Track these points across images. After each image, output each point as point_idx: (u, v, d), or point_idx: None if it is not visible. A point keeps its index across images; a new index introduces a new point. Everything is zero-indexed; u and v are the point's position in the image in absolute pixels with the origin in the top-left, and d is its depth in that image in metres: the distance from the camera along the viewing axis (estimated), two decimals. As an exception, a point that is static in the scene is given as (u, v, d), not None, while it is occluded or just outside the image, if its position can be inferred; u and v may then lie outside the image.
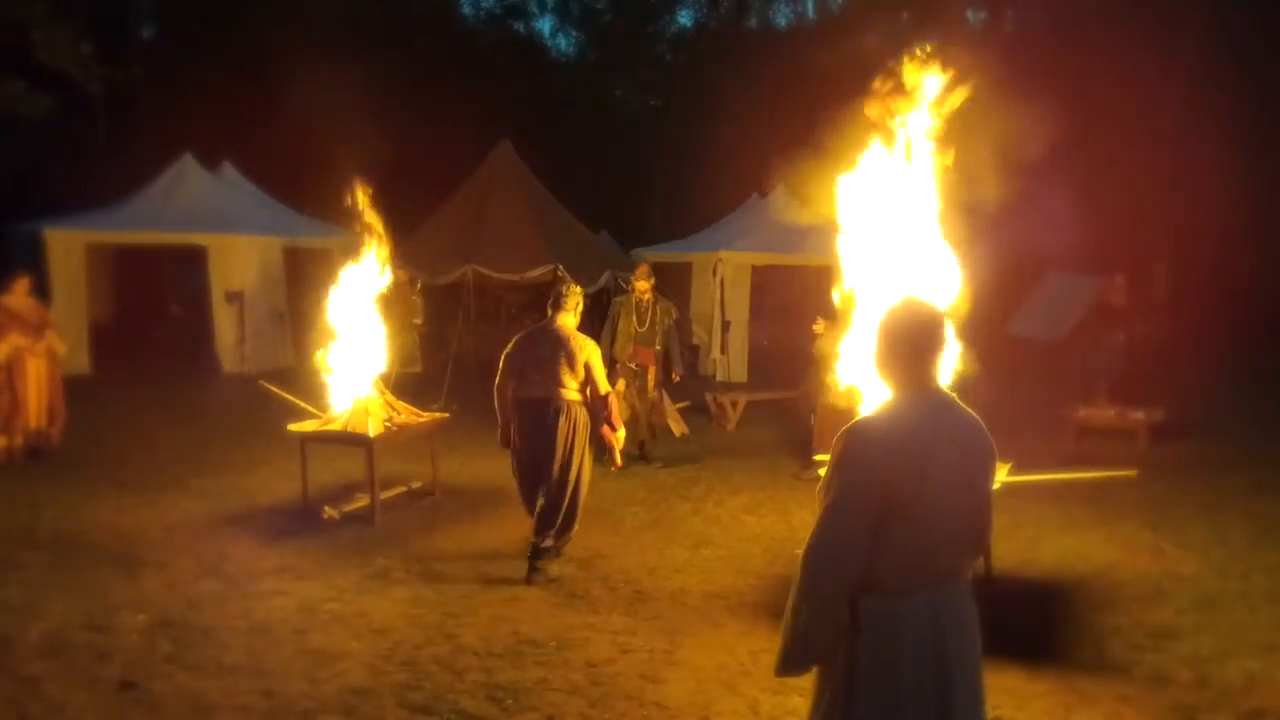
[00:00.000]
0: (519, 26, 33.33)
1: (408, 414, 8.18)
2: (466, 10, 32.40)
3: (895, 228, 4.62)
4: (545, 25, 44.48)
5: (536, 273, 15.07)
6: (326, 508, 7.52)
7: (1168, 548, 6.90)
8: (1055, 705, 4.51)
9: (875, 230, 4.67)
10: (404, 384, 10.08)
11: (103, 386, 13.05)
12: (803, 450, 9.25)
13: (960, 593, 2.77)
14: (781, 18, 32.08)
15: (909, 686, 2.63)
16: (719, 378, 15.18)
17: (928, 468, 2.61)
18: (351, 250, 8.05)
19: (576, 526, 6.49)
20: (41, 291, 10.21)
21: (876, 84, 4.47)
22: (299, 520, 7.46)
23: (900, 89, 4.47)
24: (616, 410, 6.60)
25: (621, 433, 6.71)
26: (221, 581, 6.11)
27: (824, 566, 2.64)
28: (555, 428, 6.22)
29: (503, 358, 6.52)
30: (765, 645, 5.17)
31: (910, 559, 2.65)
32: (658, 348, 9.69)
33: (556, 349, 6.31)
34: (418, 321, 13.31)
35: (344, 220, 8.05)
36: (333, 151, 15.37)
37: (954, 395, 2.84)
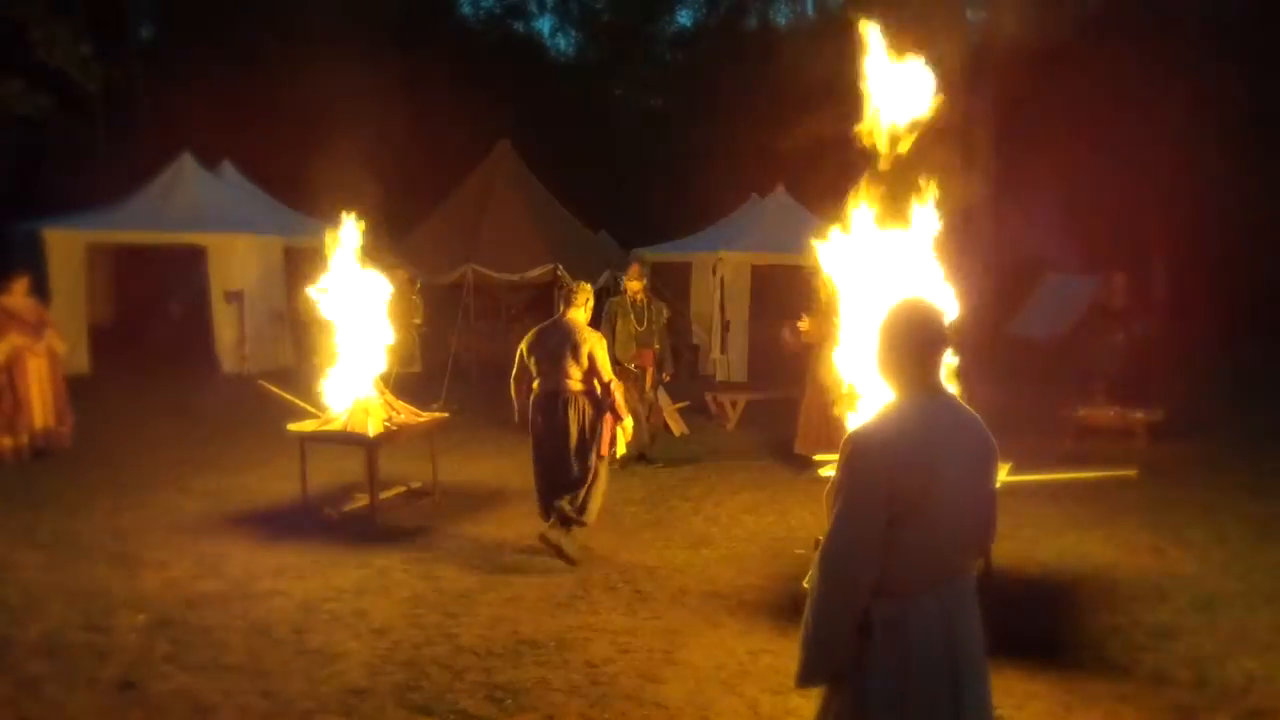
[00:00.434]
0: (519, 26, 33.38)
1: (407, 414, 8.18)
2: (466, 10, 32.45)
3: (889, 230, 4.62)
4: (545, 25, 44.58)
5: (536, 273, 15.09)
6: (326, 508, 7.52)
7: (1167, 547, 6.90)
8: (1054, 705, 4.51)
9: (868, 231, 4.67)
10: (404, 384, 10.07)
11: (102, 386, 13.04)
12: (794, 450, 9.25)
13: (966, 590, 2.77)
14: (781, 17, 32.10)
15: (921, 686, 2.63)
16: (719, 377, 15.18)
17: (935, 469, 2.61)
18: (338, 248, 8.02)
19: (599, 507, 6.78)
20: (41, 291, 10.21)
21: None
22: (299, 520, 7.46)
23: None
24: (620, 400, 6.78)
25: (628, 421, 6.89)
26: (221, 581, 6.11)
27: (840, 572, 2.63)
28: (567, 418, 6.62)
29: (518, 352, 6.91)
30: (765, 645, 5.17)
31: (918, 560, 2.64)
32: (656, 346, 9.71)
33: (563, 342, 6.66)
34: (418, 321, 13.30)
35: (342, 219, 8.03)
36: (333, 151, 15.38)
37: (956, 394, 2.83)
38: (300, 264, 14.96)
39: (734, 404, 12.01)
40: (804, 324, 9.16)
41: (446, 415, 8.64)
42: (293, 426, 7.90)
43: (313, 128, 19.20)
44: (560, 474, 6.64)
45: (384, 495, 7.74)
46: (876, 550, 2.60)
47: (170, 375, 14.42)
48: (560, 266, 14.99)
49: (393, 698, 4.55)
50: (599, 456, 6.69)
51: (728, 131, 24.33)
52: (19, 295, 9.33)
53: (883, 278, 4.41)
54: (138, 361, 15.07)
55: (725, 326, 15.63)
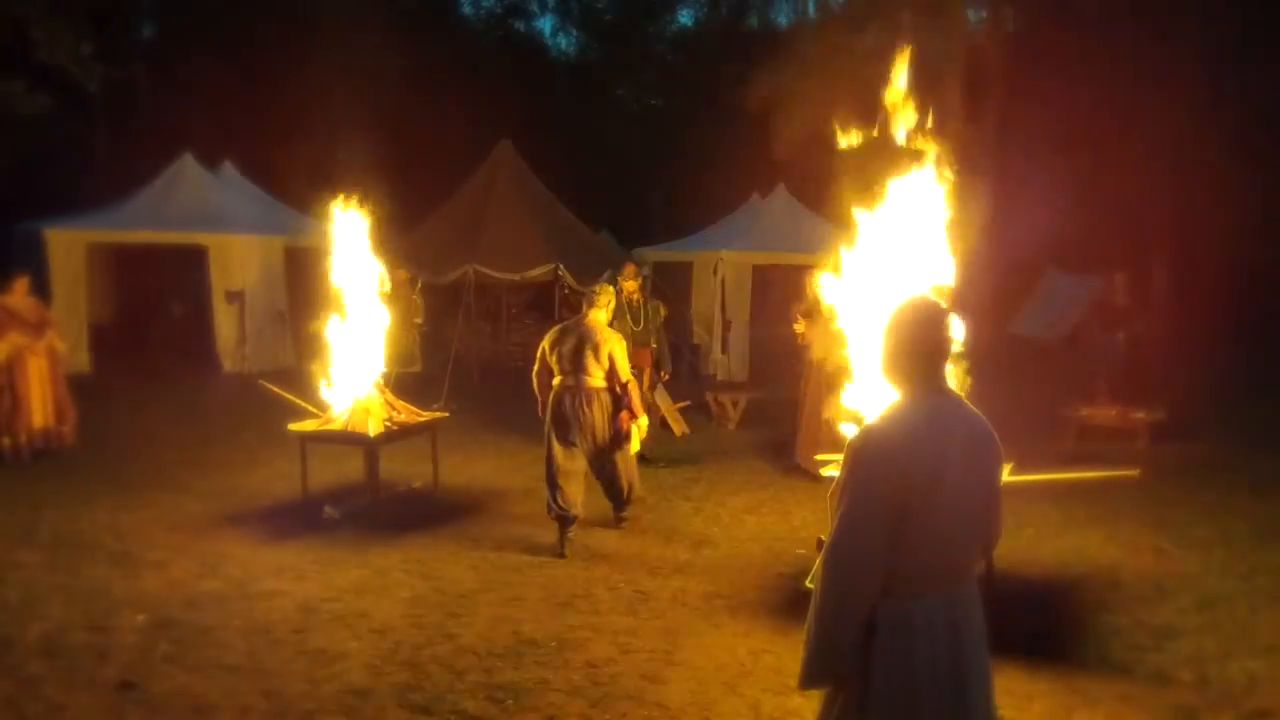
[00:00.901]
0: (519, 26, 33.35)
1: (408, 413, 8.17)
2: (467, 10, 32.43)
3: (894, 227, 4.61)
4: (546, 25, 44.56)
5: (536, 272, 15.08)
6: (326, 507, 7.51)
7: (1169, 547, 6.89)
8: (1056, 705, 4.51)
9: (873, 230, 4.66)
10: (404, 383, 10.07)
11: (103, 386, 13.02)
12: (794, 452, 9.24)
13: (971, 591, 2.77)
14: (782, 17, 32.08)
15: (925, 687, 2.62)
16: (720, 377, 15.17)
17: (941, 470, 2.60)
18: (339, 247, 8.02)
19: (637, 480, 7.41)
20: (42, 291, 10.20)
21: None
22: (299, 520, 7.45)
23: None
24: (637, 398, 7.17)
25: (643, 420, 7.27)
26: (221, 581, 6.10)
27: (845, 574, 2.62)
28: (591, 414, 6.98)
29: (539, 348, 7.23)
30: (766, 645, 5.17)
31: (923, 561, 2.63)
32: (653, 345, 9.72)
33: (584, 341, 6.98)
34: (418, 321, 13.30)
35: (340, 219, 8.03)
36: (333, 151, 15.38)
37: (961, 395, 2.82)
38: (301, 264, 14.98)
39: (735, 404, 12.00)
40: (800, 326, 9.16)
41: (447, 415, 8.63)
42: (293, 426, 7.90)
43: (313, 128, 19.21)
44: (592, 460, 7.10)
45: (385, 495, 7.73)
46: (882, 551, 2.58)
47: (171, 375, 14.41)
48: (561, 266, 14.98)
49: (393, 698, 4.54)
50: (619, 450, 7.15)
51: (728, 131, 24.29)
52: (20, 295, 9.33)
53: (889, 280, 4.41)
54: (138, 361, 15.05)
55: (726, 326, 15.62)
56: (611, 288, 7.58)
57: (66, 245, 14.57)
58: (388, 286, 8.36)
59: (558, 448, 7.00)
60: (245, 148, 17.65)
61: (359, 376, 7.94)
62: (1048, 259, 17.31)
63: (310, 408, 8.17)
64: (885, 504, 2.58)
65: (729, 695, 4.61)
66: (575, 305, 15.79)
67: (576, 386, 6.96)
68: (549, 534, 7.15)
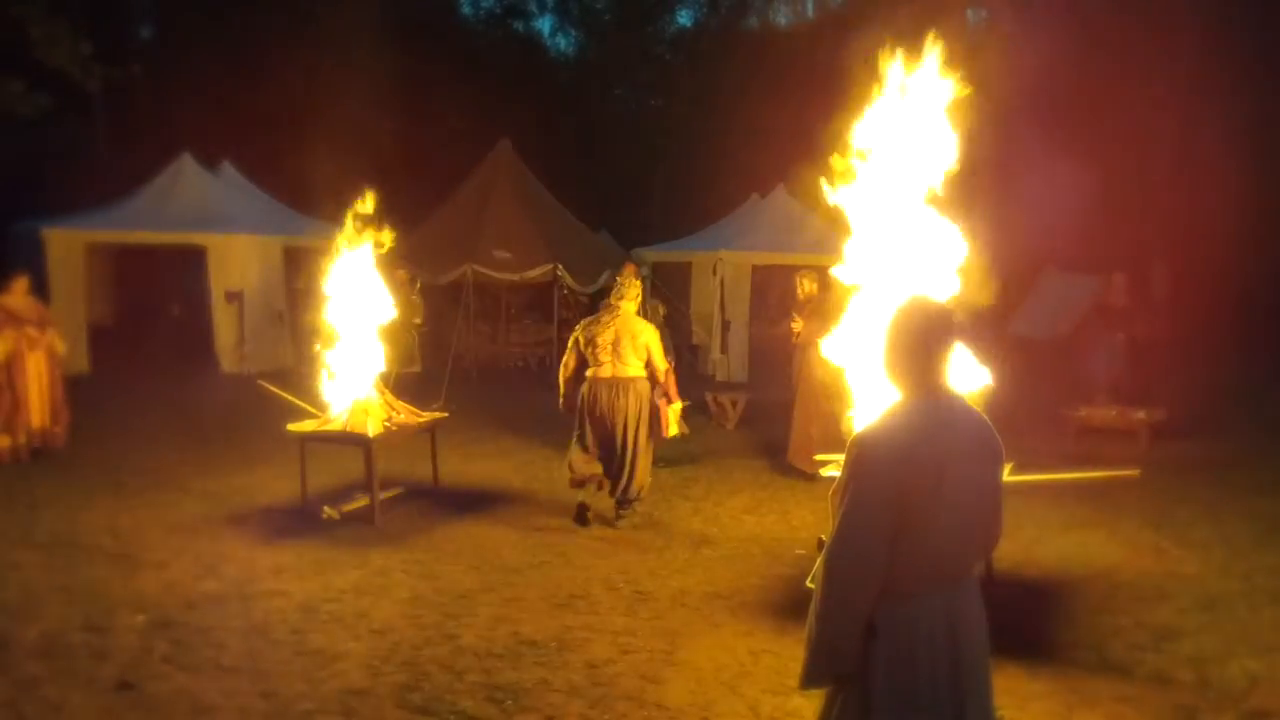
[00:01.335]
0: (518, 26, 33.32)
1: (407, 414, 8.16)
2: (466, 10, 32.40)
3: (895, 222, 4.60)
4: (545, 25, 44.51)
5: (536, 272, 15.08)
6: (326, 508, 7.51)
7: (1169, 547, 6.89)
8: (1056, 705, 4.50)
9: (876, 226, 4.65)
10: (403, 384, 10.06)
11: (102, 386, 13.02)
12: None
13: (970, 591, 2.76)
14: (781, 17, 32.08)
15: (925, 687, 2.62)
16: (719, 377, 15.17)
17: (942, 470, 2.59)
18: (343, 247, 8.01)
19: (648, 482, 7.57)
20: (41, 291, 10.18)
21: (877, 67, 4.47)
22: (298, 520, 7.44)
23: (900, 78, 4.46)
24: (674, 385, 7.57)
25: (678, 404, 7.61)
26: (220, 582, 6.09)
27: (845, 574, 2.62)
28: (626, 402, 7.27)
29: (570, 341, 7.54)
30: (766, 646, 5.16)
31: (924, 561, 2.63)
32: None
33: (621, 333, 7.30)
34: (418, 321, 13.29)
35: (343, 220, 8.02)
36: (332, 151, 15.37)
37: (962, 395, 2.82)
38: (300, 264, 14.99)
39: (734, 404, 12.00)
40: (797, 325, 9.16)
41: (446, 415, 8.62)
42: (292, 426, 7.88)
43: (312, 128, 19.20)
44: (613, 445, 7.33)
45: (384, 495, 7.72)
46: (883, 551, 2.58)
47: (170, 375, 14.39)
48: (560, 266, 14.98)
49: (392, 698, 4.53)
50: (652, 437, 7.44)
51: (728, 131, 24.32)
52: (19, 295, 9.32)
53: (891, 279, 4.40)
54: (137, 361, 15.05)
55: (725, 326, 15.62)
56: (639, 281, 7.86)
57: (65, 245, 14.57)
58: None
59: (590, 434, 7.40)
60: (244, 148, 17.65)
61: (358, 377, 7.92)
62: (1047, 259, 17.29)
63: (309, 408, 8.17)
64: (886, 504, 2.57)
65: (729, 695, 4.60)
66: (574, 305, 15.92)
67: (614, 377, 7.29)
68: (548, 534, 7.17)
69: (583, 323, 7.57)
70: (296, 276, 15.41)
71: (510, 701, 4.52)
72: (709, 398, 12.28)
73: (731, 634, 5.36)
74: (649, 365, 7.38)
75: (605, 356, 7.29)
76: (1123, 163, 17.78)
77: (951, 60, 4.37)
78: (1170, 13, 17.75)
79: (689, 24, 33.16)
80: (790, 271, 10.68)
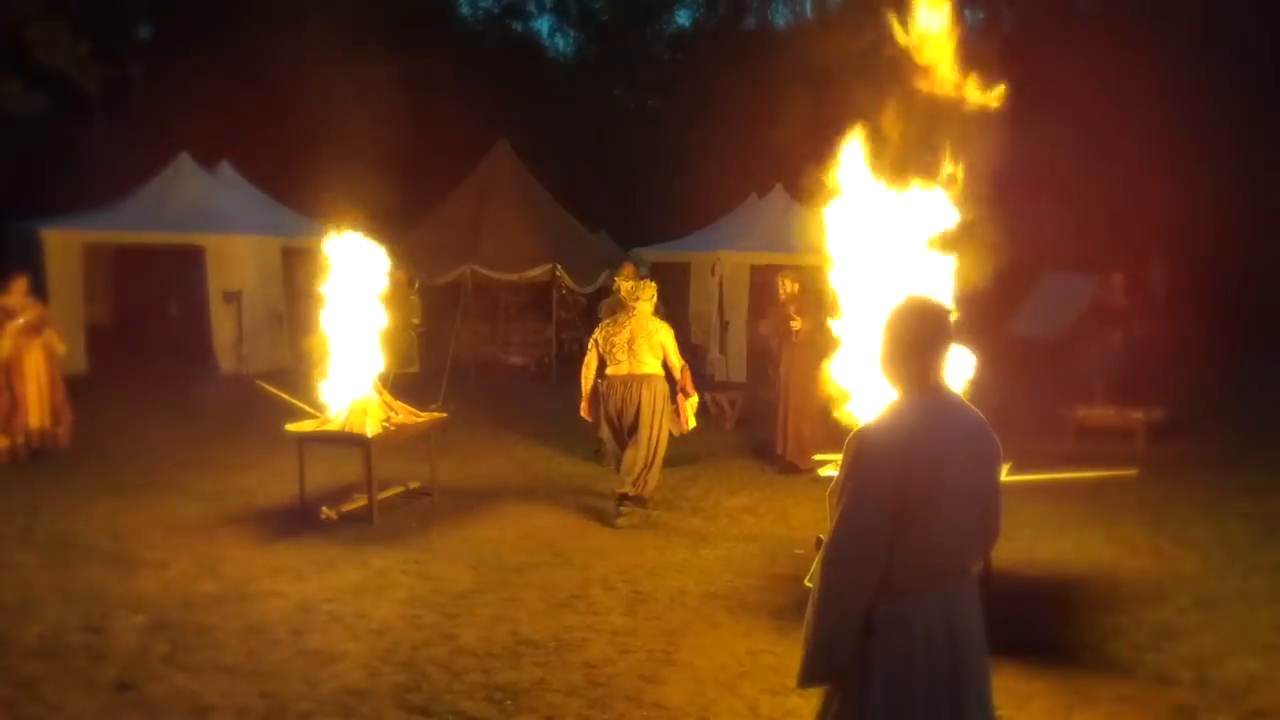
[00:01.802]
0: (517, 26, 33.33)
1: (406, 414, 8.16)
2: (465, 10, 32.39)
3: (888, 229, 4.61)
4: (543, 25, 44.48)
5: (535, 273, 15.08)
6: (324, 508, 7.50)
7: (1167, 547, 6.89)
8: (1055, 705, 4.50)
9: (866, 231, 4.66)
10: (402, 384, 10.05)
11: (100, 386, 13.01)
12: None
13: (968, 590, 2.76)
14: (779, 17, 32.09)
15: (923, 686, 2.62)
16: (717, 377, 15.16)
17: (939, 470, 2.60)
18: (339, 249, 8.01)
19: (659, 476, 7.82)
20: (39, 291, 10.18)
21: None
22: (296, 520, 7.44)
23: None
24: (689, 380, 7.96)
25: (694, 399, 8.00)
26: (218, 582, 6.09)
27: (843, 573, 2.62)
28: (641, 398, 7.60)
29: (590, 343, 7.92)
30: (764, 646, 5.16)
31: (922, 560, 2.63)
32: None
33: (636, 333, 7.67)
34: (416, 321, 13.30)
35: (340, 220, 8.02)
36: (330, 151, 15.35)
37: (960, 394, 2.82)
38: (298, 264, 14.98)
39: (732, 404, 12.00)
40: (796, 323, 9.21)
41: (444, 415, 8.62)
42: (291, 427, 7.88)
43: (310, 128, 19.18)
44: (632, 438, 7.65)
45: (382, 495, 7.72)
46: (880, 550, 2.58)
47: (168, 375, 14.38)
48: (559, 267, 14.98)
49: (391, 699, 4.53)
50: (670, 432, 7.80)
51: (726, 131, 24.29)
52: (18, 295, 9.31)
53: (887, 276, 4.40)
54: (136, 362, 15.04)
55: (724, 326, 15.61)
56: (653, 283, 8.20)
57: (63, 245, 14.56)
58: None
59: (608, 432, 7.88)
60: (243, 148, 17.63)
61: (357, 377, 7.92)
62: (1045, 259, 17.30)
63: (308, 408, 8.16)
64: (884, 503, 2.57)
65: (727, 695, 4.60)
66: (573, 305, 15.92)
67: (630, 374, 7.65)
68: (546, 534, 7.18)
69: (601, 324, 7.96)
70: (295, 277, 15.40)
71: (509, 701, 4.52)
72: (707, 398, 12.26)
73: (730, 634, 5.36)
74: (665, 363, 7.73)
75: (622, 355, 7.65)
76: (1122, 163, 17.79)
77: (950, 61, 4.37)
78: (1170, 13, 17.78)
79: (687, 24, 33.20)
80: (801, 271, 10.70)
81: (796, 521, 7.63)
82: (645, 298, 7.85)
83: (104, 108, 21.73)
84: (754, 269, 15.73)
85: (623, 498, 7.59)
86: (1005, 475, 5.51)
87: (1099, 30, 18.83)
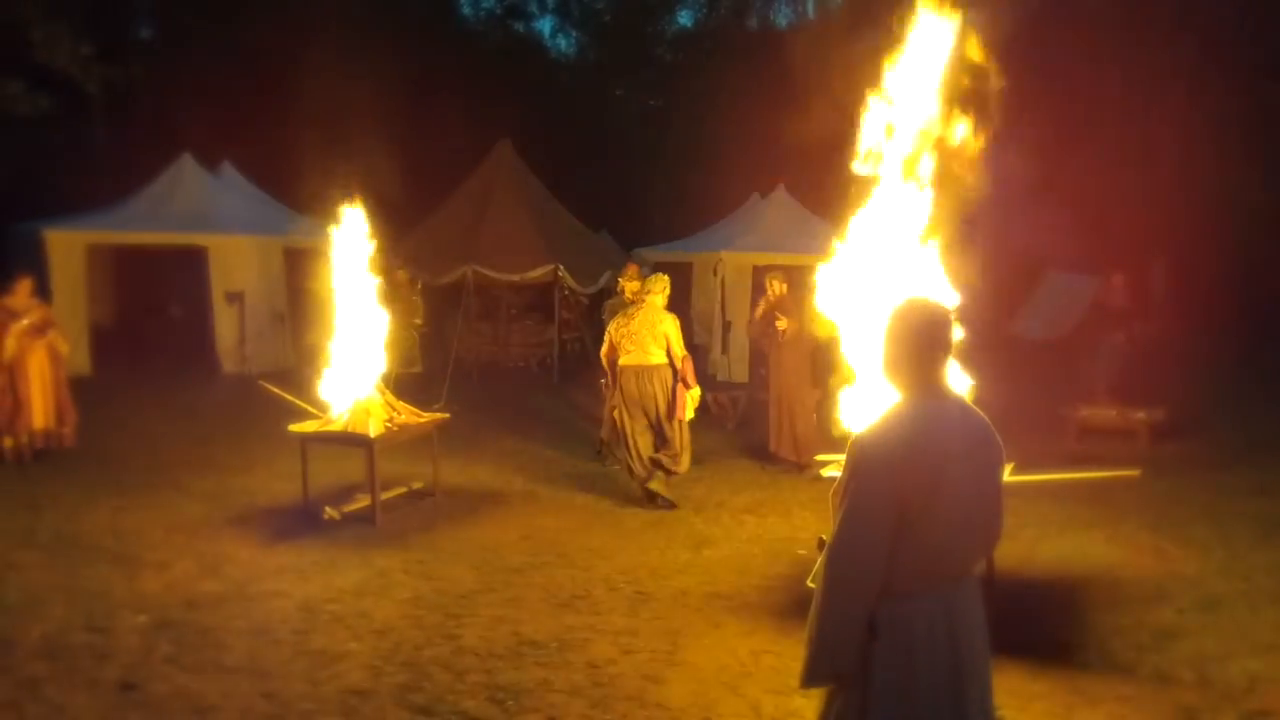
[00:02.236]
0: (519, 27, 33.32)
1: (408, 414, 8.17)
2: (466, 11, 32.39)
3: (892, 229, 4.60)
4: (545, 26, 44.55)
5: (537, 273, 15.07)
6: (327, 508, 7.51)
7: (1169, 548, 6.89)
8: (1057, 705, 4.51)
9: (871, 231, 4.65)
10: (404, 384, 10.07)
11: (103, 387, 13.02)
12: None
13: (970, 591, 2.77)
14: (781, 18, 32.07)
15: (925, 687, 2.62)
16: (720, 378, 15.16)
17: (942, 471, 2.60)
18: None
19: (689, 454, 8.28)
20: (42, 292, 10.18)
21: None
22: (299, 521, 7.45)
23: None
24: (690, 372, 8.21)
25: (695, 391, 8.26)
26: (221, 582, 6.10)
27: (846, 574, 2.62)
28: (653, 388, 8.05)
29: (606, 334, 8.39)
30: (767, 646, 5.17)
31: (924, 561, 2.64)
32: None
33: (643, 324, 8.07)
34: (418, 321, 13.30)
35: (341, 220, 8.04)
36: (332, 151, 15.36)
37: (962, 395, 2.82)
38: (300, 264, 14.99)
39: (734, 404, 12.00)
40: (782, 324, 9.29)
41: (447, 416, 8.63)
42: (293, 427, 7.90)
43: (312, 128, 19.19)
44: (651, 423, 8.11)
45: (385, 496, 7.73)
46: (883, 552, 2.59)
47: (171, 376, 14.41)
48: (561, 267, 14.98)
49: (394, 699, 4.54)
50: (669, 419, 8.10)
51: (728, 131, 24.28)
52: (23, 296, 9.33)
53: (887, 279, 4.40)
54: (138, 362, 15.06)
55: (726, 327, 15.61)
56: (666, 276, 8.51)
57: (66, 246, 14.57)
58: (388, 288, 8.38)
59: (628, 420, 8.11)
60: (244, 148, 17.64)
61: (359, 377, 7.93)
62: (1047, 259, 17.31)
63: (310, 408, 8.18)
64: (886, 504, 2.58)
65: (730, 695, 4.61)
66: (575, 306, 15.92)
67: (638, 365, 8.05)
68: (549, 534, 7.18)
69: (616, 316, 8.41)
70: (297, 277, 15.41)
71: (512, 702, 4.52)
72: (709, 398, 12.27)
73: (733, 634, 5.37)
74: (669, 353, 8.08)
75: (631, 345, 8.08)
76: (1122, 163, 17.79)
77: (950, 61, 4.37)
78: (1170, 13, 17.76)
79: (689, 24, 33.19)
80: (790, 272, 10.73)
81: (799, 522, 7.64)
82: (657, 290, 8.22)
83: (106, 108, 21.73)
84: (756, 269, 15.73)
85: (665, 471, 8.15)
86: (1007, 476, 5.52)
87: (1100, 31, 18.81)
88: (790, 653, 4.86)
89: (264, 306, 15.50)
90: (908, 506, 2.57)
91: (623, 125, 30.67)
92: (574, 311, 16.14)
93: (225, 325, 15.23)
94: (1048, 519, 7.38)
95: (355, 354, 7.96)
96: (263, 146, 18.29)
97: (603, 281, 15.56)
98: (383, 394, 8.05)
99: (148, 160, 16.54)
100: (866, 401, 4.62)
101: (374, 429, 7.61)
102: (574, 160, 25.24)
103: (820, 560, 2.71)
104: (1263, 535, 7.12)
